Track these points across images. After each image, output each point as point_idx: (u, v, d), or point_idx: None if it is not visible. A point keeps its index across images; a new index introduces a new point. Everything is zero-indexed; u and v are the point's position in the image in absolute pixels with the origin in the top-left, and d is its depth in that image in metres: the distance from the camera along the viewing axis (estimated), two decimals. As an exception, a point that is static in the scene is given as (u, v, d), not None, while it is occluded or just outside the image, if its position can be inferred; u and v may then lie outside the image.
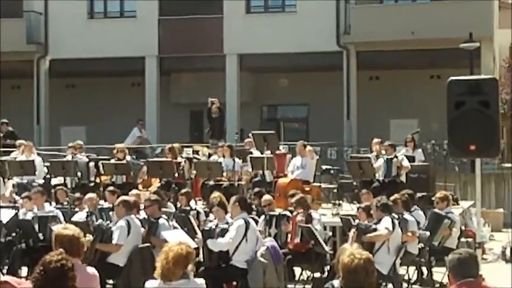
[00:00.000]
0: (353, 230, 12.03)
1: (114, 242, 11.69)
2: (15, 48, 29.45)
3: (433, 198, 15.58)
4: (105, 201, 15.34)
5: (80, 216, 14.12)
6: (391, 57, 28.70)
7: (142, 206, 12.93)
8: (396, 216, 12.62)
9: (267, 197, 14.59)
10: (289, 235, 13.50)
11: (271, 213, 13.85)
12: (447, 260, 6.33)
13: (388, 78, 30.31)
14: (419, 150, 20.01)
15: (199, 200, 17.79)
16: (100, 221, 12.61)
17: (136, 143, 26.58)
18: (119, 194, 15.40)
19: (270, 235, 13.27)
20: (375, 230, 12.03)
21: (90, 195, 14.86)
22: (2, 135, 22.39)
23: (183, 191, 15.57)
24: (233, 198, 12.18)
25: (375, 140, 19.71)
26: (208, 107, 23.32)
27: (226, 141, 22.14)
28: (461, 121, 9.46)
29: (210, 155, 20.42)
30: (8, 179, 18.21)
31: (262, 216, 13.76)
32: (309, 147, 18.84)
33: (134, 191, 15.25)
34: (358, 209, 13.21)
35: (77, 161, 18.54)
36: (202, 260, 11.93)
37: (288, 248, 13.35)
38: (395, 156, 18.08)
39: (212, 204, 12.50)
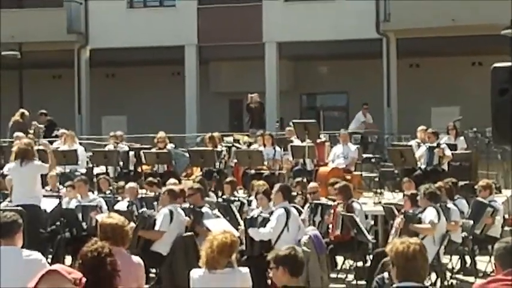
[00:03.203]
0: (400, 217, 11.94)
1: (156, 228, 11.73)
2: (56, 38, 29.65)
3: (475, 187, 15.44)
4: (146, 190, 15.41)
5: (121, 205, 14.19)
6: (431, 44, 28.42)
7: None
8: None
9: (312, 184, 14.52)
10: (330, 226, 13.43)
11: (316, 201, 13.78)
12: (494, 248, 6.27)
13: (429, 65, 30.04)
14: (462, 138, 19.86)
15: (240, 188, 17.80)
16: (144, 208, 12.64)
17: (362, 128, 25.54)
18: (158, 184, 15.42)
19: (314, 223, 13.22)
20: (420, 219, 11.92)
21: (130, 184, 14.90)
22: (43, 126, 22.57)
23: (228, 179, 15.57)
24: (276, 186, 12.16)
25: (420, 128, 19.59)
26: (247, 102, 23.29)
27: (267, 130, 22.10)
28: (506, 108, 9.35)
29: (250, 144, 20.42)
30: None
31: (307, 204, 13.70)
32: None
33: (172, 180, 15.24)
34: (404, 196, 13.13)
35: (119, 150, 18.68)
36: (244, 249, 11.95)
37: (329, 238, 13.30)
38: (438, 144, 17.92)
39: (257, 191, 12.47)
